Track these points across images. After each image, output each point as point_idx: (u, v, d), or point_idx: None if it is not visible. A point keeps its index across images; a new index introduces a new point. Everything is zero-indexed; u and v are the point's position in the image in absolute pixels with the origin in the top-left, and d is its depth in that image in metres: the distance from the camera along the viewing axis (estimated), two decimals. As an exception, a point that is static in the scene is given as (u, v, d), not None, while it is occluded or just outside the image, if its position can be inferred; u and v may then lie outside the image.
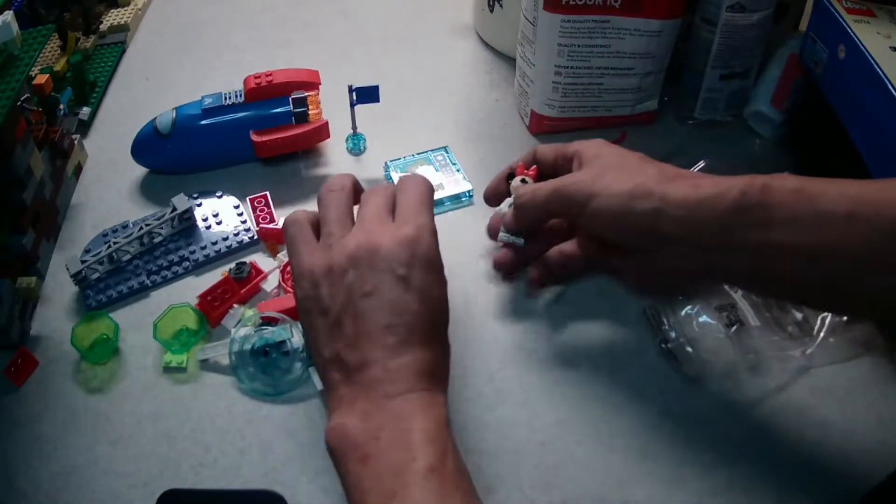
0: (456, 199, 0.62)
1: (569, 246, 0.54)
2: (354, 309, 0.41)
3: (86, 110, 0.72)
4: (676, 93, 0.69)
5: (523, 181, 0.52)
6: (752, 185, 0.41)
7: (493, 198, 0.56)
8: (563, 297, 0.55)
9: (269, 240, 0.59)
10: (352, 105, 0.64)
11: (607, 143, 0.50)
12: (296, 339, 0.50)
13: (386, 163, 0.65)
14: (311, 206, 0.63)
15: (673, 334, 0.50)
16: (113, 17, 0.84)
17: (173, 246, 0.59)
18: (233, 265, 0.55)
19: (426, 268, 0.42)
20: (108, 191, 0.66)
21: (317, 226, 0.47)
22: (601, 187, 0.45)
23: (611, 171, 0.46)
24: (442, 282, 0.43)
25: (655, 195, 0.43)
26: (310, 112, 0.64)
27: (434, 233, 0.44)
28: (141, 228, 0.58)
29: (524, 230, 0.52)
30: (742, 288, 0.51)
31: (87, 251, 0.59)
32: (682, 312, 0.51)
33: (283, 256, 0.57)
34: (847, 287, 0.40)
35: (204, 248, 0.59)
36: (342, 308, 0.41)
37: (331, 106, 0.65)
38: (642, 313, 0.53)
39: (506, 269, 0.55)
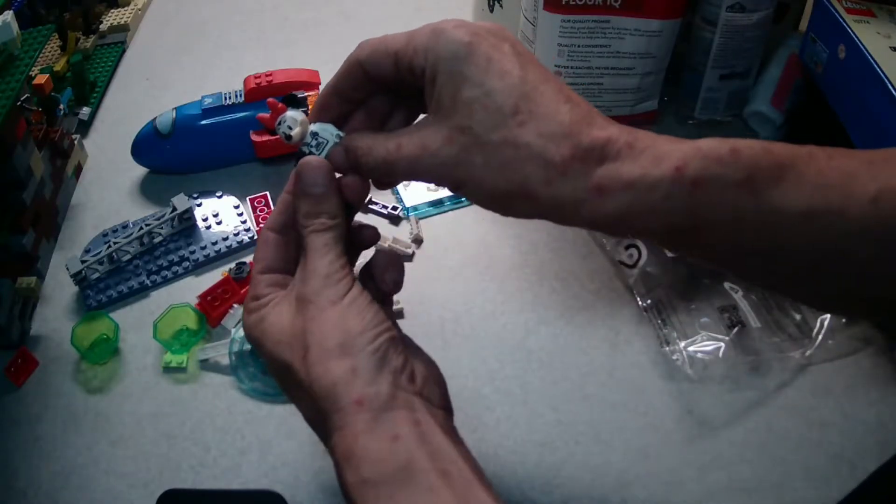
0: (456, 199, 0.62)
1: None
2: None
3: (86, 110, 0.72)
4: (676, 93, 0.69)
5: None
6: (679, 186, 0.31)
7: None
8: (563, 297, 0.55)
9: (269, 240, 0.59)
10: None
11: (469, 44, 0.33)
12: (296, 339, 0.50)
13: (386, 163, 0.65)
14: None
15: (674, 334, 0.50)
16: (113, 17, 0.84)
17: (173, 246, 0.59)
18: (233, 265, 0.55)
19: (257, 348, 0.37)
20: (108, 191, 0.66)
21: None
22: (468, 175, 0.33)
23: (477, 149, 0.33)
24: (270, 351, 0.35)
25: (542, 201, 0.32)
26: (310, 112, 0.63)
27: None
28: (141, 228, 0.58)
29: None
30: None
31: (87, 251, 0.59)
32: (684, 313, 0.51)
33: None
34: (805, 287, 0.33)
35: (204, 248, 0.59)
36: None
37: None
38: (643, 313, 0.53)
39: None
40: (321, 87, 0.41)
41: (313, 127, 0.38)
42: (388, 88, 0.38)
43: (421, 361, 0.36)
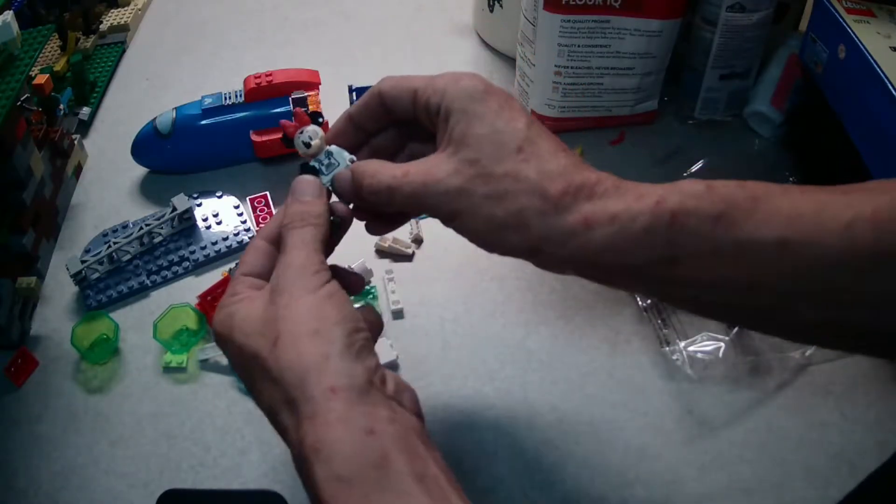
0: (456, 199, 0.62)
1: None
2: None
3: (86, 110, 0.72)
4: (676, 93, 0.69)
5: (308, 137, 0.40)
6: (659, 218, 0.32)
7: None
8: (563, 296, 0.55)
9: (269, 240, 0.59)
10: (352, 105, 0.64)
11: (484, 91, 0.36)
12: (296, 339, 0.50)
13: (386, 163, 0.65)
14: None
15: (674, 335, 0.50)
16: (113, 17, 0.84)
17: (173, 246, 0.59)
18: (233, 265, 0.55)
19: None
20: (108, 191, 0.66)
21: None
22: (467, 206, 0.35)
23: (481, 181, 0.35)
24: (240, 344, 0.35)
25: (534, 232, 0.34)
26: (309, 110, 0.64)
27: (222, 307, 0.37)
28: (141, 228, 0.58)
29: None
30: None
31: (87, 251, 0.59)
32: (684, 313, 0.51)
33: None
34: (783, 318, 0.33)
35: (204, 248, 0.59)
36: None
37: (331, 106, 0.65)
38: (643, 313, 0.53)
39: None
40: (340, 114, 0.42)
41: (331, 147, 0.40)
42: (401, 123, 0.41)
43: (391, 375, 0.35)
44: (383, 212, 0.41)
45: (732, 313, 0.36)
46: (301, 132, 0.40)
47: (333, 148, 0.40)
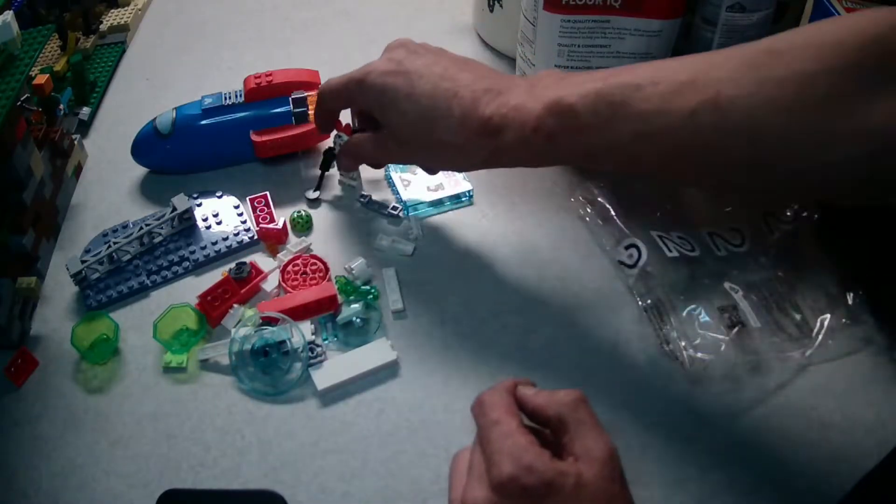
0: (456, 199, 0.62)
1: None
2: None
3: (86, 110, 0.72)
4: (676, 93, 0.69)
5: (339, 136, 0.61)
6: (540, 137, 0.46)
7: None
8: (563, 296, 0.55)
9: (269, 240, 0.59)
10: (352, 105, 0.64)
11: (405, 51, 0.52)
12: (296, 339, 0.50)
13: (386, 163, 0.65)
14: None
15: (674, 334, 0.50)
16: (113, 17, 0.84)
17: (173, 246, 0.59)
18: (233, 265, 0.55)
19: None
20: (108, 191, 0.66)
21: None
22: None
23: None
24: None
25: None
26: (310, 112, 0.64)
27: None
28: (141, 228, 0.58)
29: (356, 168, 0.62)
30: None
31: (87, 251, 0.59)
32: (684, 313, 0.51)
33: (283, 256, 0.57)
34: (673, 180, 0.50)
35: (204, 248, 0.59)
36: None
37: (331, 106, 0.65)
38: (643, 313, 0.53)
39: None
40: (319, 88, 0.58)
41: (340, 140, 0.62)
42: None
43: None
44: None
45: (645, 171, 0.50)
46: (339, 136, 0.61)
47: (343, 138, 0.61)
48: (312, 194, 0.63)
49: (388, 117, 0.51)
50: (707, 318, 0.51)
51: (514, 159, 0.49)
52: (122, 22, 0.83)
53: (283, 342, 0.50)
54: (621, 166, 0.48)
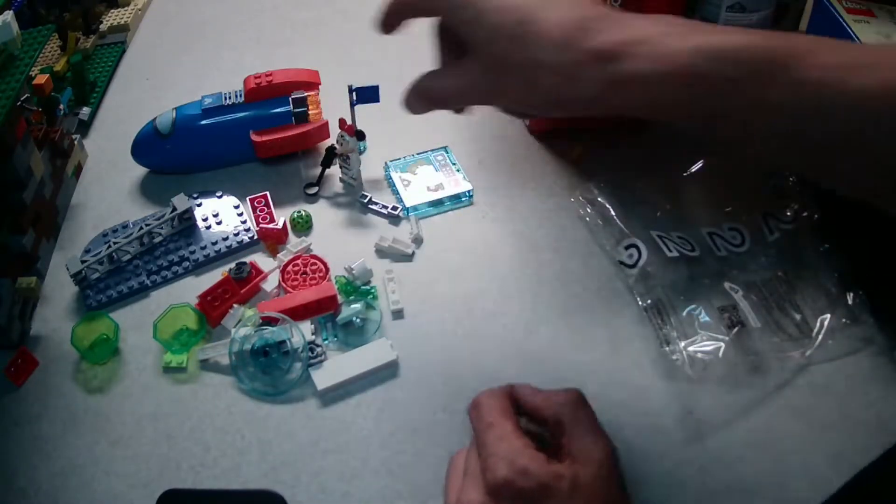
0: (456, 199, 0.62)
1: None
2: None
3: (86, 110, 0.72)
4: (676, 93, 0.69)
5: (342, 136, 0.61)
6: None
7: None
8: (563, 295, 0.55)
9: (269, 240, 0.59)
10: (352, 105, 0.64)
11: None
12: (296, 339, 0.50)
13: (386, 163, 0.65)
14: (309, 206, 0.63)
15: (674, 334, 0.50)
16: (113, 17, 0.84)
17: (173, 246, 0.59)
18: (233, 265, 0.55)
19: None
20: (108, 191, 0.66)
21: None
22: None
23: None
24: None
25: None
26: (310, 112, 0.64)
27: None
28: (141, 228, 0.58)
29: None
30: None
31: (87, 251, 0.59)
32: (684, 313, 0.51)
33: (283, 256, 0.57)
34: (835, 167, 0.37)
35: (204, 248, 0.59)
36: None
37: (331, 106, 0.65)
38: (643, 313, 0.53)
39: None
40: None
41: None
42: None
43: None
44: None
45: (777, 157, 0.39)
46: (343, 136, 0.61)
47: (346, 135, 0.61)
48: (311, 189, 0.63)
49: (475, 31, 0.42)
50: (707, 318, 0.51)
51: (637, 101, 0.38)
52: (122, 22, 0.83)
53: (283, 342, 0.50)
54: (755, 139, 0.37)
